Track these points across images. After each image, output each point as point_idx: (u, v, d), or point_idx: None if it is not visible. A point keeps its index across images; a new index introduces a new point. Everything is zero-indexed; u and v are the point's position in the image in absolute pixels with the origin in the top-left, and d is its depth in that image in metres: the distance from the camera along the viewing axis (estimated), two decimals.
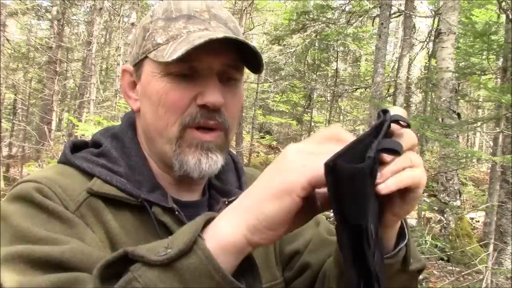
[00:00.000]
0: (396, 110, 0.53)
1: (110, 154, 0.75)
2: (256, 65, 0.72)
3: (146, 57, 0.74)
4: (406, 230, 0.66)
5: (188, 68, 0.70)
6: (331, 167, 0.44)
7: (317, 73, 13.94)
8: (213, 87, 0.70)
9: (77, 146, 0.79)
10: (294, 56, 13.26)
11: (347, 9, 11.21)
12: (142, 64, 0.75)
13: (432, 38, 8.79)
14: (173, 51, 0.68)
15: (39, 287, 0.53)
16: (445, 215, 6.60)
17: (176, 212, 0.71)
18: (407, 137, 0.52)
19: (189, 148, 0.72)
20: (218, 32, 0.70)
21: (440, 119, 5.82)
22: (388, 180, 0.49)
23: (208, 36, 0.66)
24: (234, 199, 0.78)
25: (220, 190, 0.81)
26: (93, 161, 0.73)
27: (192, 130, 0.71)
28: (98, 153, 0.75)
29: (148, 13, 0.77)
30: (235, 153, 0.95)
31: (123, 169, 0.73)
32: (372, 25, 11.99)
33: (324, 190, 0.48)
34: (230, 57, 0.71)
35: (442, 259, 5.82)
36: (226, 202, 0.78)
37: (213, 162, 0.72)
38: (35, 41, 11.57)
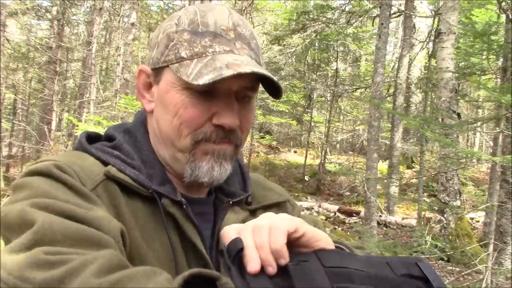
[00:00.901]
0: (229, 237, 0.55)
1: (123, 148, 0.77)
2: (276, 94, 0.75)
3: (167, 66, 0.75)
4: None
5: (208, 87, 0.72)
6: None
7: (317, 73, 13.95)
8: (230, 109, 0.73)
9: (91, 138, 0.81)
10: (294, 56, 13.27)
11: (347, 9, 11.22)
12: (162, 71, 0.76)
13: (432, 38, 8.79)
14: (198, 74, 0.70)
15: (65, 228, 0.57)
16: (445, 215, 6.60)
17: (184, 206, 0.74)
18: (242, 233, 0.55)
19: (205, 155, 0.75)
20: (244, 61, 0.71)
21: (440, 119, 5.82)
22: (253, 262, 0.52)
23: (237, 70, 0.68)
24: (239, 200, 0.81)
25: (225, 191, 0.83)
26: (108, 152, 0.76)
27: (205, 143, 0.75)
28: (112, 146, 0.78)
29: (173, 20, 0.77)
30: None
31: (136, 162, 0.76)
32: (372, 25, 11.99)
33: None
34: (250, 79, 0.73)
35: (442, 259, 5.82)
36: (231, 202, 0.81)
37: (224, 170, 0.76)
38: (35, 41, 11.57)
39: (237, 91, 0.74)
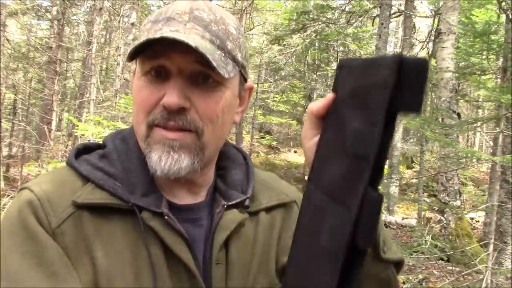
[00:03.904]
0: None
1: (110, 156, 0.76)
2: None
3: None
4: None
5: (161, 67, 0.70)
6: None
7: (317, 73, 13.95)
8: (172, 88, 0.69)
9: (89, 149, 0.81)
10: (294, 56, 13.27)
11: (347, 9, 11.21)
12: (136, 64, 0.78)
13: (432, 38, 8.79)
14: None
15: None
16: (445, 215, 6.60)
17: (166, 217, 0.71)
18: None
19: (155, 145, 0.72)
20: (183, 37, 0.68)
21: (440, 119, 5.82)
22: None
23: (152, 36, 0.67)
24: (235, 204, 0.78)
25: (223, 193, 0.80)
26: (93, 164, 0.75)
27: (158, 129, 0.71)
28: (101, 155, 0.77)
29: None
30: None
31: (119, 172, 0.74)
32: (372, 25, 11.99)
33: None
34: (204, 57, 0.68)
35: (442, 259, 5.82)
36: (225, 206, 0.77)
37: (174, 161, 0.71)
38: (35, 41, 11.57)
39: (194, 72, 0.70)
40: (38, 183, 0.72)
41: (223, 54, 0.71)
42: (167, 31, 0.69)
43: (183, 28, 0.70)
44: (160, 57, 0.69)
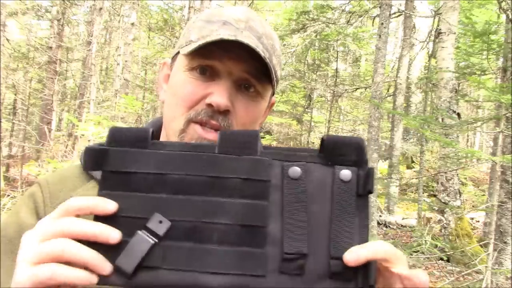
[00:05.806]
0: None
1: None
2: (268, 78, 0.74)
3: (179, 52, 0.78)
4: None
5: (208, 66, 0.73)
6: None
7: (317, 73, 13.95)
8: (222, 89, 0.71)
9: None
10: (294, 56, 13.26)
11: (347, 9, 11.21)
12: (176, 58, 0.79)
13: (432, 38, 8.79)
14: (191, 46, 0.73)
15: None
16: (445, 215, 6.60)
17: None
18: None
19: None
20: (245, 42, 0.70)
21: (440, 119, 5.82)
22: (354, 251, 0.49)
23: (219, 36, 0.69)
24: None
25: None
26: None
27: (196, 125, 0.73)
28: None
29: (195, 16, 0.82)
30: None
31: None
32: (372, 25, 11.99)
33: None
34: (254, 66, 0.72)
35: (442, 259, 5.82)
36: None
37: None
38: (35, 41, 11.57)
39: (240, 79, 0.73)
40: (46, 177, 0.79)
41: (270, 68, 0.74)
42: (226, 34, 0.71)
43: (240, 35, 0.72)
44: (214, 59, 0.72)
